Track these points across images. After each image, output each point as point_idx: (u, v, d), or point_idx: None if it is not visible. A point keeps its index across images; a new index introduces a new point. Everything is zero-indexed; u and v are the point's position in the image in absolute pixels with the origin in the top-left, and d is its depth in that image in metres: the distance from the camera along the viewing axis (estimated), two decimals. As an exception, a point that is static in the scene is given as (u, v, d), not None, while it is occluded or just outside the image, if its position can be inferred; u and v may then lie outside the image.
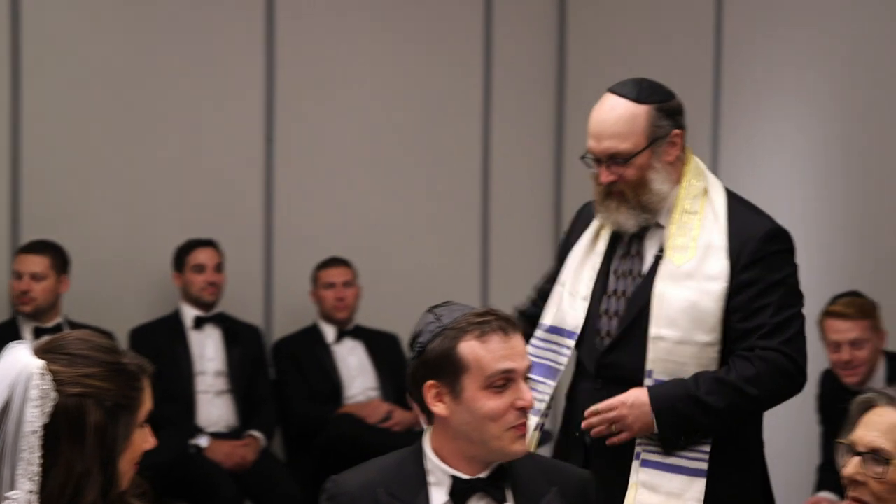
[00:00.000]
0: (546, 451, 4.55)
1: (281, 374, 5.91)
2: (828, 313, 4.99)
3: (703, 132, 6.02)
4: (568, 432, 3.37)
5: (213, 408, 5.65)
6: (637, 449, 3.17)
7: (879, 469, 2.43)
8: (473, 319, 2.61)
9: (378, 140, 6.44)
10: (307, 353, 5.91)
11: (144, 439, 2.28)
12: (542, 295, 3.51)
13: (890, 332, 5.57)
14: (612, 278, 3.30)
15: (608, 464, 3.23)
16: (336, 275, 5.99)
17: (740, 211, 3.26)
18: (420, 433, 2.73)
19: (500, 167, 6.67)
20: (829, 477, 4.96)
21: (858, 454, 2.46)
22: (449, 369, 2.60)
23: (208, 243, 5.78)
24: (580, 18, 6.77)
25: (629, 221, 3.25)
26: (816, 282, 5.71)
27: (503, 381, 2.58)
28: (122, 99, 5.86)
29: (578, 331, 3.29)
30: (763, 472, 3.31)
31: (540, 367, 3.34)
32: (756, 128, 6.04)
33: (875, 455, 2.44)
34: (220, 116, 6.06)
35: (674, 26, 6.40)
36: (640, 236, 3.31)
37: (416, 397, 2.66)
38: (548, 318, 3.39)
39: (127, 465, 2.25)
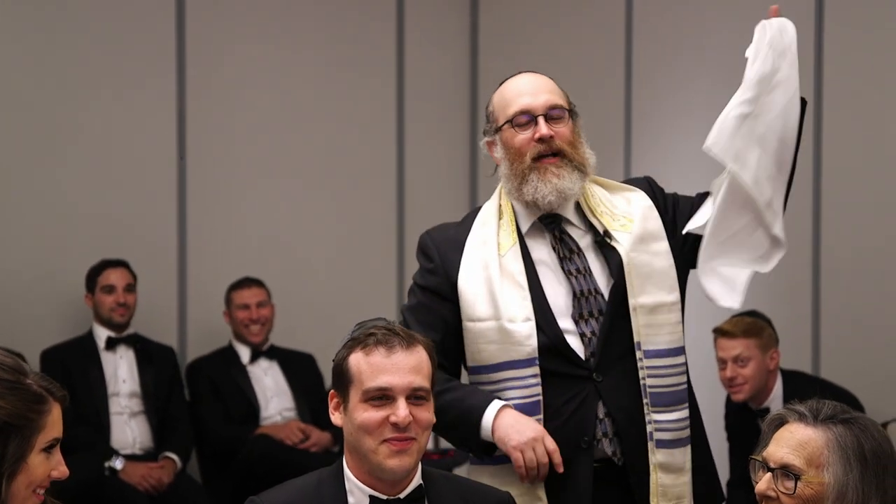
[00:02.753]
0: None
1: (196, 396, 5.86)
2: (715, 331, 5.07)
3: (615, 135, 6.13)
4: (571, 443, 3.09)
5: (128, 429, 5.60)
6: (649, 429, 3.09)
7: (790, 484, 2.49)
8: (366, 332, 2.65)
9: (291, 158, 6.43)
10: (222, 374, 5.87)
11: (51, 466, 2.27)
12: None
13: (798, 350, 5.67)
14: (572, 280, 3.14)
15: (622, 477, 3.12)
16: (249, 296, 5.95)
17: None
18: (338, 454, 2.74)
19: (414, 183, 6.69)
20: (737, 493, 5.04)
21: (770, 470, 2.52)
22: (341, 380, 2.65)
23: (119, 263, 5.74)
24: (492, 30, 6.81)
25: (574, 186, 3.14)
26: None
27: (380, 395, 2.60)
28: (34, 118, 5.81)
29: (537, 354, 3.07)
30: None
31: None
32: (667, 123, 6.11)
33: (786, 471, 2.49)
34: (132, 135, 6.02)
35: (585, 35, 6.45)
36: (566, 233, 3.19)
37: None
38: (481, 357, 3.15)
39: (22, 489, 2.23)
